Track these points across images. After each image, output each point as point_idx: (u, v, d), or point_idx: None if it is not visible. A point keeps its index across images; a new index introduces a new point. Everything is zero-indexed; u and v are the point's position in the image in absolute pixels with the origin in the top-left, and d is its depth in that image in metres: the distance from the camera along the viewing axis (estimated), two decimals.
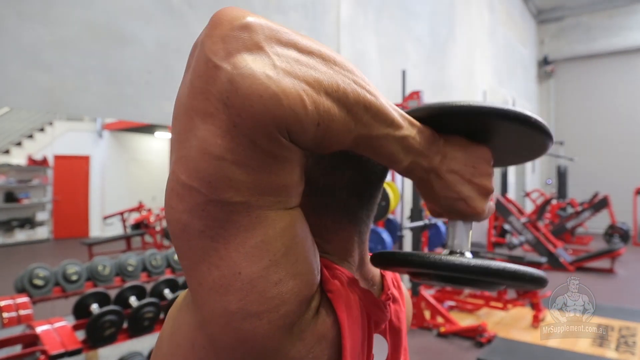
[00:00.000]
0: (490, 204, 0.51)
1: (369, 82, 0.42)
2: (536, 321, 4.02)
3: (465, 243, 0.51)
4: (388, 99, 0.44)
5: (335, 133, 0.40)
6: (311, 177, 0.53)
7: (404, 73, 4.57)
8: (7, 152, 7.76)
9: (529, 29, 11.99)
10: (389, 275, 0.65)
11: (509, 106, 0.46)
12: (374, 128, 0.42)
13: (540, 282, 0.47)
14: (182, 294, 0.51)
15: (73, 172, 8.33)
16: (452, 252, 0.50)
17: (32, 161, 7.77)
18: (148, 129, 8.18)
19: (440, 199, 0.49)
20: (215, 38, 0.37)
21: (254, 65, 0.36)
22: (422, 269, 0.48)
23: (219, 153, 0.37)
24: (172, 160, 0.40)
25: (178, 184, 0.39)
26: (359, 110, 0.40)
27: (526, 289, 0.49)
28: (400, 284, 0.68)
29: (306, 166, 0.52)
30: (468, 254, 0.50)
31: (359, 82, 0.40)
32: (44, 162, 7.84)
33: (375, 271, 0.64)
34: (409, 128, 0.45)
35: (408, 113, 0.48)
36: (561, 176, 10.23)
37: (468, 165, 0.48)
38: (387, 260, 0.52)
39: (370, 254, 0.55)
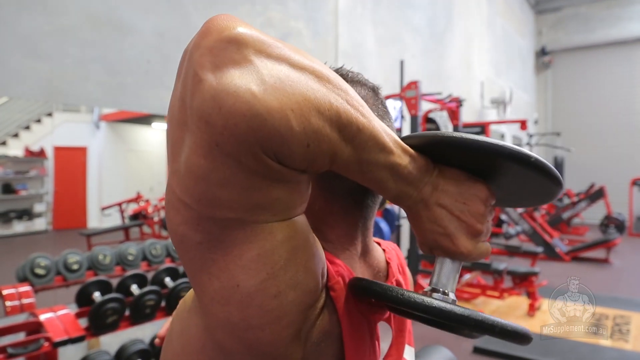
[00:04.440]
0: (483, 246, 0.47)
1: (363, 103, 0.40)
2: (532, 310, 4.07)
3: (451, 283, 0.47)
4: (382, 124, 0.42)
5: (326, 154, 0.37)
6: None
7: (402, 63, 4.57)
8: (3, 143, 7.71)
9: (527, 19, 11.95)
10: (394, 261, 0.65)
11: (513, 146, 0.42)
12: (365, 152, 0.40)
13: (520, 338, 0.42)
14: (189, 293, 0.50)
15: (70, 163, 8.30)
16: (434, 290, 0.47)
17: (29, 152, 7.73)
18: (145, 119, 8.12)
19: (426, 232, 0.46)
20: (203, 49, 0.35)
21: (240, 81, 0.33)
22: (396, 306, 0.44)
23: (202, 173, 0.35)
24: (168, 171, 0.39)
25: (174, 196, 0.38)
26: (351, 132, 0.38)
27: (507, 341, 0.42)
28: (405, 269, 0.69)
29: None
30: (451, 295, 0.47)
31: (353, 103, 0.38)
32: (41, 153, 7.80)
33: (380, 257, 0.63)
34: (402, 155, 0.43)
35: (404, 139, 0.46)
36: (558, 167, 10.28)
37: (459, 201, 0.45)
38: (364, 289, 0.47)
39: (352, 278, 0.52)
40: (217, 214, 0.36)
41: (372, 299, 0.48)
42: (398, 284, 0.62)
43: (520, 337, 0.41)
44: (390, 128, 0.57)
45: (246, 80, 0.33)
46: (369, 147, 0.40)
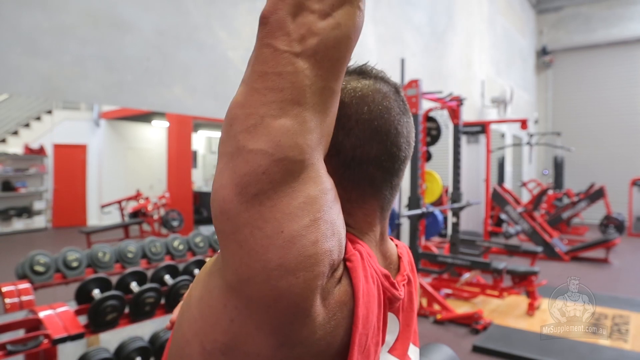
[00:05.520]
0: None
1: None
2: (531, 309, 4.07)
3: None
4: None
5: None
6: (341, 149, 0.55)
7: (402, 62, 4.56)
8: (3, 140, 7.69)
9: (528, 18, 11.94)
10: (405, 257, 0.66)
11: None
12: None
13: None
14: (210, 260, 0.53)
15: (70, 161, 8.28)
16: None
17: (28, 150, 7.72)
18: (145, 117, 8.10)
19: None
20: (282, 37, 0.44)
21: (321, 26, 0.45)
22: None
23: (295, 113, 0.44)
24: (235, 133, 0.45)
25: (243, 151, 0.43)
26: None
27: None
28: (414, 267, 0.70)
29: (336, 139, 0.55)
30: None
31: None
32: (40, 150, 7.79)
33: (393, 250, 0.65)
34: None
35: None
36: (558, 167, 10.28)
37: None
38: None
39: None
40: (290, 154, 0.43)
41: None
42: (408, 279, 0.63)
43: None
44: (409, 126, 0.61)
45: (322, 24, 0.45)
46: None
